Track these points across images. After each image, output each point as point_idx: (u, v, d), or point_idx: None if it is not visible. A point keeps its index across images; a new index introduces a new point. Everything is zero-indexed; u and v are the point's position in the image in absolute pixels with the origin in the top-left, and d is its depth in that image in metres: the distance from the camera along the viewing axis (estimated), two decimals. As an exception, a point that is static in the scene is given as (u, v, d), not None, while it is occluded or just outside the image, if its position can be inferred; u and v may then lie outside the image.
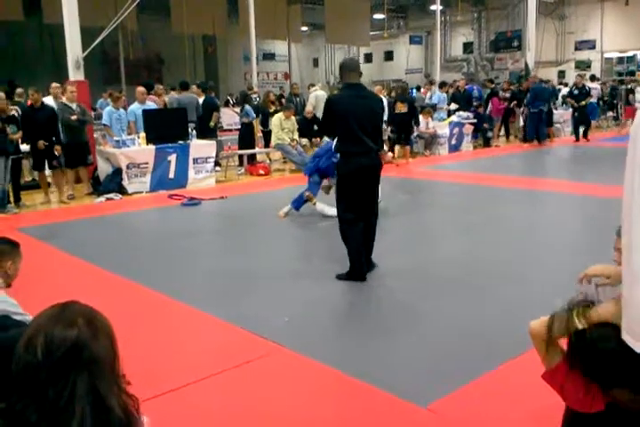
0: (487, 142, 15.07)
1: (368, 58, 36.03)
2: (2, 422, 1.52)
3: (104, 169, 9.56)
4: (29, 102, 9.12)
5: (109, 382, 1.56)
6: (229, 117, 17.83)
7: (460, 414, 2.90)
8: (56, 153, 8.80)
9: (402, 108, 12.29)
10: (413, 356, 3.59)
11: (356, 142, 4.86)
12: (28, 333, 1.55)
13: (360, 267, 4.96)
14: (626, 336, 1.53)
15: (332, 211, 7.27)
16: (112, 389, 1.56)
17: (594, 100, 17.30)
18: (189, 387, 3.21)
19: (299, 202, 7.46)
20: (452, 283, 4.85)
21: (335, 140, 5.26)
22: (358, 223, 4.97)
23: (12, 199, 8.51)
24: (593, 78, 19.20)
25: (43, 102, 9.04)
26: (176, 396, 3.12)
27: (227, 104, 18.66)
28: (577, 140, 15.54)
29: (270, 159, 12.59)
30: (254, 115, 12.27)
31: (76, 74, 10.53)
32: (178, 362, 3.55)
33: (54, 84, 10.48)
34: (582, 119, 15.68)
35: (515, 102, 15.85)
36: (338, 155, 5.12)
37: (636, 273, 1.45)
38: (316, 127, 12.07)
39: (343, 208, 5.02)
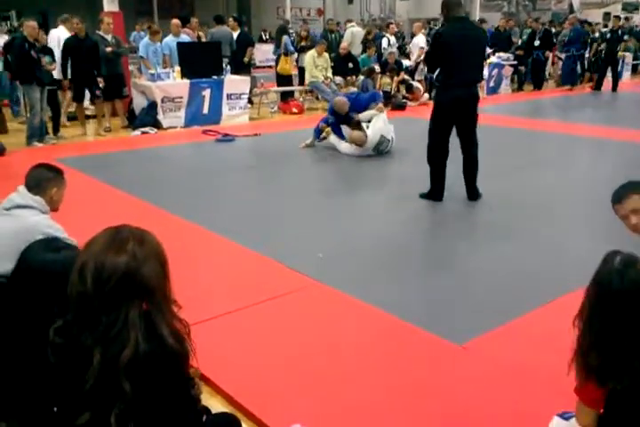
0: (521, 86, 14.64)
1: (405, -6, 34.77)
2: (60, 341, 1.57)
3: (139, 102, 9.52)
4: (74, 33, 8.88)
5: (161, 307, 1.59)
6: (262, 54, 17.56)
7: (494, 353, 2.93)
8: (100, 85, 8.71)
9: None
10: (456, 293, 3.62)
11: (457, 74, 5.09)
12: (80, 259, 1.57)
13: (437, 188, 5.38)
14: None
15: (342, 146, 7.44)
16: (164, 315, 1.59)
17: None
18: (228, 315, 3.30)
19: (317, 132, 7.89)
20: (509, 222, 4.89)
21: (437, 71, 5.50)
22: (445, 150, 5.29)
23: (50, 130, 8.57)
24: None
25: (87, 33, 8.89)
26: (215, 324, 3.20)
27: (260, 40, 18.30)
28: (595, 88, 14.32)
29: (303, 97, 12.41)
30: (292, 48, 12.03)
31: (110, 5, 10.37)
32: (215, 292, 3.63)
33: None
34: (608, 67, 14.32)
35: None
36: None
37: None
38: (350, 65, 11.83)
39: (434, 135, 5.32)
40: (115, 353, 1.50)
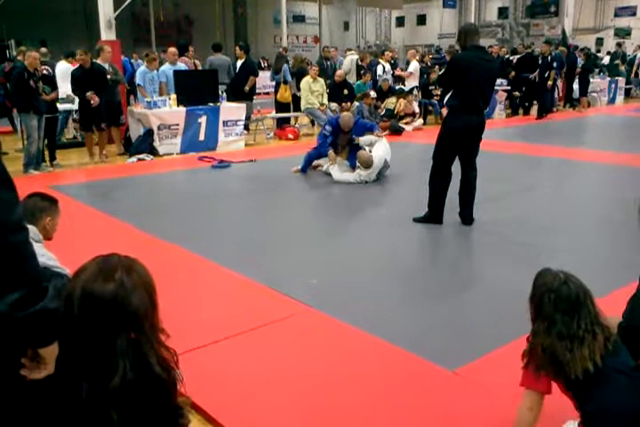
0: (516, 111, 14.79)
1: (400, 22, 35.41)
2: None
3: (135, 130, 9.60)
4: (75, 63, 8.97)
5: (149, 336, 1.60)
6: (259, 81, 17.76)
7: (486, 378, 2.93)
8: (92, 102, 8.54)
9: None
10: (449, 318, 3.62)
11: (469, 101, 5.17)
12: (69, 286, 1.58)
13: (437, 211, 5.44)
14: None
15: (344, 176, 7.45)
16: (152, 343, 1.60)
17: None
18: (221, 342, 3.29)
19: (306, 162, 7.96)
20: (514, 244, 4.89)
21: (448, 95, 5.62)
22: (449, 174, 5.39)
23: (47, 158, 8.63)
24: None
25: (92, 63, 8.85)
26: (208, 351, 3.20)
27: (259, 67, 18.53)
28: (512, 114, 14.28)
29: (299, 124, 12.52)
30: (289, 77, 12.15)
31: (107, 34, 10.53)
32: (207, 319, 3.62)
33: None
34: (531, 95, 14.22)
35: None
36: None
37: None
38: (345, 91, 11.95)
39: (440, 159, 5.37)
40: (103, 382, 1.51)
